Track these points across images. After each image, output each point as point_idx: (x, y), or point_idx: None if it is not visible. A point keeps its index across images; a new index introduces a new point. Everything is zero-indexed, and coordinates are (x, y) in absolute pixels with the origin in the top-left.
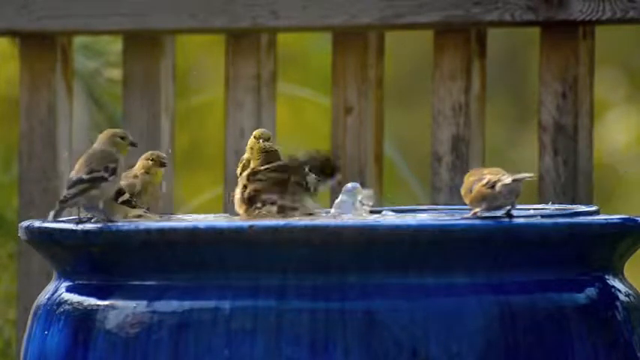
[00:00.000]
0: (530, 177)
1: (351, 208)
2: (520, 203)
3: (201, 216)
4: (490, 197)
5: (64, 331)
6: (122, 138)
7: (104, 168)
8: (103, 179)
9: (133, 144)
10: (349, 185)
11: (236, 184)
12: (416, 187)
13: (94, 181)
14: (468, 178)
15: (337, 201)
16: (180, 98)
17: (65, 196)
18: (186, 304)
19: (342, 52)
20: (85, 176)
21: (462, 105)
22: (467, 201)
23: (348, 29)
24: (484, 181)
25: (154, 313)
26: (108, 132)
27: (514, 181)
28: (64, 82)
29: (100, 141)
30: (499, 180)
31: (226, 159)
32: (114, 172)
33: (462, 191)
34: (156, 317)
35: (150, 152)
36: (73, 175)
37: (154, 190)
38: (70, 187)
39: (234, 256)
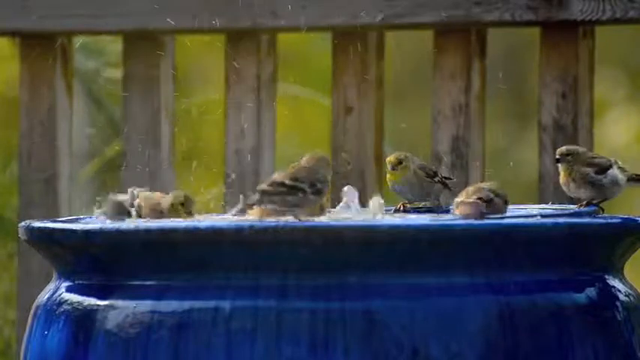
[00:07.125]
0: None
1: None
2: (520, 203)
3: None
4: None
5: (64, 331)
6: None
7: (310, 184)
8: (302, 191)
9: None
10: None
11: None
12: None
13: (292, 189)
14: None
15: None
16: (180, 98)
17: (265, 190)
18: (186, 304)
19: (342, 52)
20: (287, 182)
21: (462, 105)
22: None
23: (348, 29)
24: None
25: (153, 313)
26: (316, 155)
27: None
28: (64, 82)
29: (309, 161)
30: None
31: (226, 159)
32: (318, 192)
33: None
34: (156, 317)
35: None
36: (278, 177)
37: None
38: (270, 185)
39: (234, 256)
